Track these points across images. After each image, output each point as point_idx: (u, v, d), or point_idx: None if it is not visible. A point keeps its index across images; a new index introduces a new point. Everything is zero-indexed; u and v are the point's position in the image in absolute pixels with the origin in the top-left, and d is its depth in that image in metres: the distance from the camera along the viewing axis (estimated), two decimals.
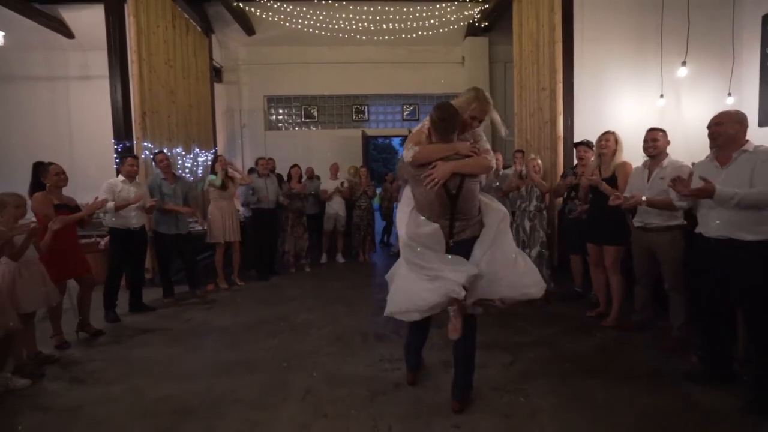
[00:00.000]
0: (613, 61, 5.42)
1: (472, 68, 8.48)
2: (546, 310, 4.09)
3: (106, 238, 4.33)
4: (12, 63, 7.79)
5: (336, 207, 6.54)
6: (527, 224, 4.26)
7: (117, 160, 5.07)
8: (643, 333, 3.34)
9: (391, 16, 6.97)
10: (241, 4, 6.87)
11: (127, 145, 5.10)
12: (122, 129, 5.01)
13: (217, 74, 8.38)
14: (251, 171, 6.75)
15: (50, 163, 3.44)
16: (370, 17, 6.90)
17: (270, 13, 6.99)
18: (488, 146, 2.28)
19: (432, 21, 7.05)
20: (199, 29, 7.41)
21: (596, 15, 5.37)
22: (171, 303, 4.63)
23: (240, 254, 5.44)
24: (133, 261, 4.24)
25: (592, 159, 3.82)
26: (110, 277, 4.09)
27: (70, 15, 7.28)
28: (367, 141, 8.65)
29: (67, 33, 7.54)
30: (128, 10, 4.99)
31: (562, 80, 5.29)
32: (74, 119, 7.99)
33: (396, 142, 24.82)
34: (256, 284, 5.45)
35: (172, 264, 4.97)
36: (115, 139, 5.03)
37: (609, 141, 3.43)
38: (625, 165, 3.38)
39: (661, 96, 5.27)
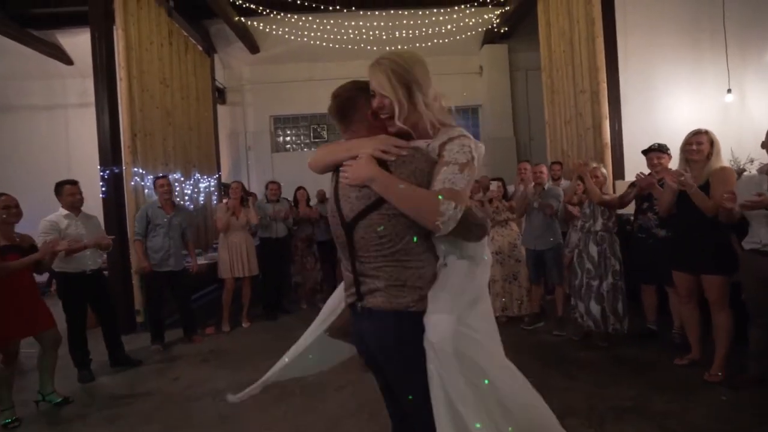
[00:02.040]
0: (664, 55, 4.74)
1: (491, 77, 7.88)
2: (613, 354, 3.27)
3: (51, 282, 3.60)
4: (10, 93, 7.48)
5: None
6: (594, 249, 3.45)
7: (103, 189, 4.50)
8: (765, 391, 2.50)
9: (404, 22, 6.45)
10: (243, 18, 6.43)
11: (116, 171, 4.54)
12: (109, 153, 4.46)
13: (220, 95, 7.94)
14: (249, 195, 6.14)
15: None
16: (381, 24, 6.38)
17: (274, 27, 6.54)
18: (460, 157, 1.14)
19: (448, 27, 6.50)
20: (201, 48, 6.99)
21: (641, 3, 4.72)
22: (158, 350, 3.97)
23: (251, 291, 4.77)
24: (101, 308, 3.55)
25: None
26: (70, 330, 3.38)
27: (68, 41, 6.96)
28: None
29: (66, 59, 7.22)
30: (117, 23, 4.51)
31: (605, 80, 4.61)
32: (72, 147, 7.57)
33: None
34: (262, 325, 4.72)
35: (168, 305, 4.32)
36: (101, 165, 4.47)
37: (702, 143, 2.66)
38: (724, 170, 2.62)
39: (729, 91, 4.52)
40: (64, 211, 3.39)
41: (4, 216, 2.77)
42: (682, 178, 2.58)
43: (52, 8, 6.09)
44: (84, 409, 2.94)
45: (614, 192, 4.24)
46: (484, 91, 7.99)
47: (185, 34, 6.32)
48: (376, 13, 6.17)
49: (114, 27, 4.54)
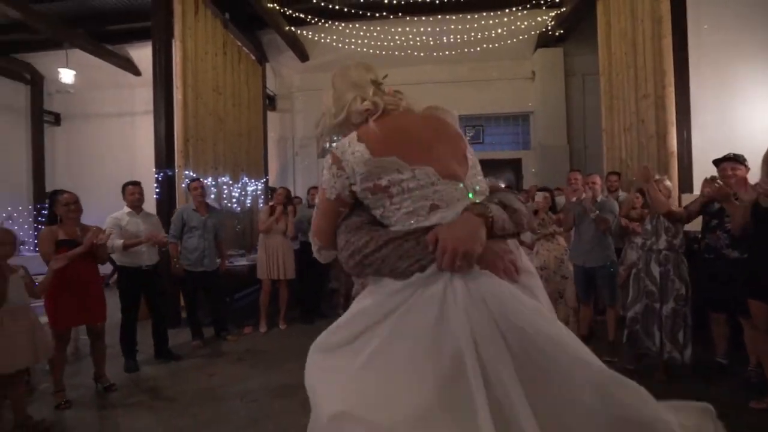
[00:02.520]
0: (743, 55, 4.22)
1: (544, 83, 7.50)
2: (674, 388, 2.90)
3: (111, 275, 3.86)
4: (87, 102, 8.22)
5: None
6: (656, 270, 3.08)
7: (157, 190, 4.78)
8: None
9: (452, 27, 6.31)
10: (293, 28, 6.62)
11: (169, 173, 4.80)
12: (163, 157, 4.73)
13: (271, 102, 8.22)
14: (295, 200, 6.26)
15: (62, 192, 3.07)
16: (428, 29, 6.29)
17: (323, 35, 6.67)
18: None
19: (498, 31, 6.27)
20: (253, 58, 7.29)
21: None
22: (198, 347, 4.12)
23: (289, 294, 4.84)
24: (152, 302, 3.74)
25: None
26: (123, 321, 3.59)
27: (137, 53, 7.52)
28: None
29: (135, 71, 7.81)
30: (175, 35, 4.80)
31: (673, 83, 4.19)
32: (138, 151, 8.15)
33: None
34: (299, 328, 4.76)
35: (205, 303, 4.49)
36: (156, 167, 4.75)
37: None
38: None
39: None
40: (127, 209, 3.66)
41: (65, 212, 2.99)
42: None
43: (124, 24, 6.63)
44: (126, 397, 3.09)
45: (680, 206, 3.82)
46: (537, 97, 7.62)
47: (239, 44, 6.61)
48: (423, 18, 6.10)
49: (173, 39, 4.83)
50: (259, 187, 7.26)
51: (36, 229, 7.72)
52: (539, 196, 3.93)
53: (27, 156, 7.89)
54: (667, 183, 3.30)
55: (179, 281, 4.25)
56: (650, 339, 3.10)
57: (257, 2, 5.63)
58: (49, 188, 8.16)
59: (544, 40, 7.24)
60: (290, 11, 5.97)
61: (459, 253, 0.90)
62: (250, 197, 6.84)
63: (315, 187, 5.30)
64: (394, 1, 5.35)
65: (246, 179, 6.70)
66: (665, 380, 3.04)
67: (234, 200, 6.28)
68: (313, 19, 6.10)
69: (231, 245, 5.60)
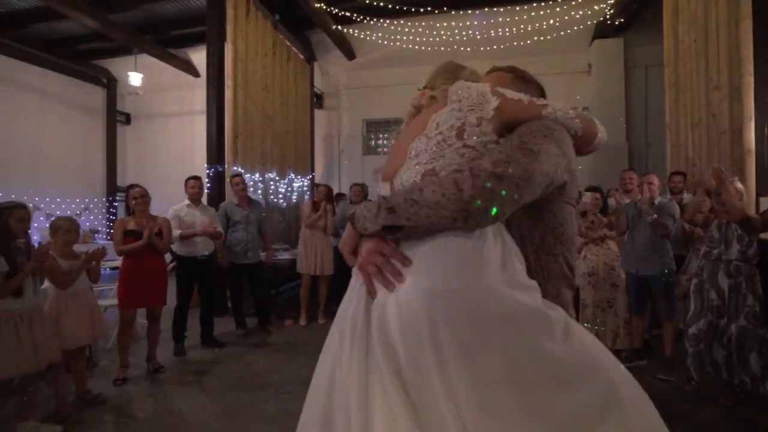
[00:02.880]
0: None
1: (601, 76, 7.01)
2: (739, 416, 2.60)
3: (171, 264, 4.14)
4: (153, 102, 8.90)
5: None
6: (724, 282, 2.75)
7: (208, 185, 5.05)
8: None
9: (500, 20, 6.08)
10: (340, 27, 6.71)
11: (219, 169, 5.06)
12: (214, 153, 4.99)
13: (318, 100, 8.41)
14: (340, 197, 6.36)
15: (134, 185, 3.34)
16: (476, 23, 6.10)
17: (369, 32, 6.70)
18: None
19: (551, 21, 5.95)
20: (302, 57, 7.49)
21: None
22: (240, 336, 4.31)
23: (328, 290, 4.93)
24: (204, 291, 3.96)
25: None
26: (177, 307, 3.84)
27: (196, 56, 8.00)
28: None
29: (194, 72, 8.33)
30: (228, 37, 5.03)
31: (752, 73, 3.73)
32: (196, 148, 8.69)
33: None
34: None
35: (250, 295, 4.69)
36: (207, 163, 5.03)
37: None
38: None
39: None
40: (186, 202, 3.93)
41: (134, 204, 3.26)
42: None
43: (185, 29, 7.08)
44: (172, 378, 3.30)
45: (757, 212, 3.40)
46: (593, 92, 7.15)
47: (288, 44, 6.82)
48: (469, 12, 5.93)
49: (225, 42, 5.07)
50: (305, 184, 7.46)
51: (108, 219, 8.50)
52: (587, 197, 3.67)
53: (102, 153, 8.69)
54: (739, 185, 2.94)
55: (225, 273, 4.47)
56: (713, 359, 2.79)
57: (305, 2, 5.76)
58: (120, 183, 8.96)
59: (602, 31, 6.77)
60: (337, 10, 6.04)
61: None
62: (296, 193, 7.05)
63: (357, 184, 5.34)
64: None
65: (292, 175, 6.91)
66: (728, 405, 2.73)
67: (280, 196, 6.50)
68: (359, 17, 6.14)
69: (276, 239, 5.81)
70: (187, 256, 3.83)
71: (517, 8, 6.07)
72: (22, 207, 2.41)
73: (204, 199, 4.88)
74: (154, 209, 3.48)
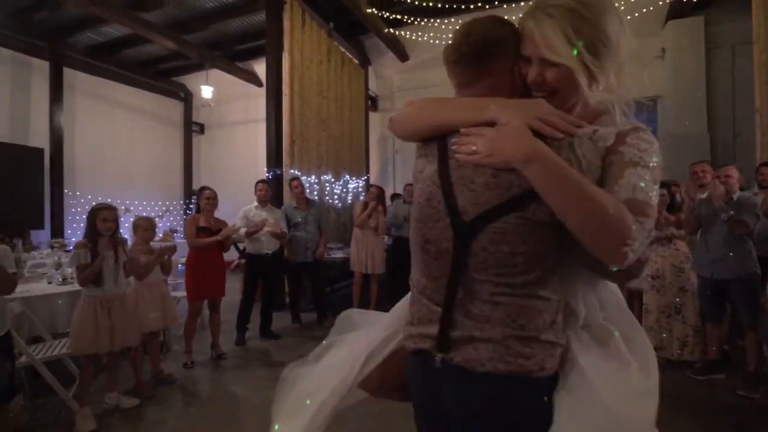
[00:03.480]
0: None
1: (677, 61, 6.37)
2: None
3: (236, 261, 4.48)
4: (222, 112, 9.67)
5: None
6: None
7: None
8: None
9: None
10: (392, 29, 6.81)
11: (277, 172, 5.38)
12: (273, 158, 5.31)
13: (373, 103, 8.59)
14: (396, 197, 6.45)
15: (206, 188, 3.70)
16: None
17: (420, 34, 6.71)
18: (647, 157, 0.77)
19: (617, 4, 5.52)
20: (356, 62, 7.71)
21: None
22: (296, 329, 4.55)
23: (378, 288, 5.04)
24: (267, 286, 4.24)
25: None
26: (242, 300, 4.16)
27: (260, 67, 8.55)
28: None
29: (258, 82, 8.91)
30: (285, 48, 5.35)
31: None
32: (260, 153, 9.30)
33: None
34: None
35: (308, 291, 4.93)
36: (267, 167, 5.37)
37: None
38: None
39: None
40: (255, 203, 4.25)
41: (205, 204, 3.62)
42: None
43: (249, 43, 7.62)
44: (232, 365, 3.58)
45: None
46: (667, 79, 6.52)
47: (342, 50, 7.05)
48: (522, 4, 5.70)
49: (283, 52, 5.39)
50: (360, 185, 7.65)
51: (184, 220, 9.38)
52: None
53: (180, 160, 9.62)
54: None
55: (287, 270, 4.72)
56: None
57: (356, 9, 5.93)
58: (195, 186, 9.84)
59: (678, 10, 6.16)
60: (387, 14, 6.14)
61: None
62: (351, 194, 7.26)
63: (410, 184, 5.40)
64: None
65: (347, 177, 7.14)
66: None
67: (336, 197, 6.74)
68: (410, 19, 6.19)
69: (331, 239, 6.04)
70: (254, 254, 4.13)
71: None
72: (108, 208, 2.76)
73: (237, 205, 5.26)
74: (223, 210, 3.82)
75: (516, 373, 0.75)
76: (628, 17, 5.93)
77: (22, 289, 3.03)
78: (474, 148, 0.77)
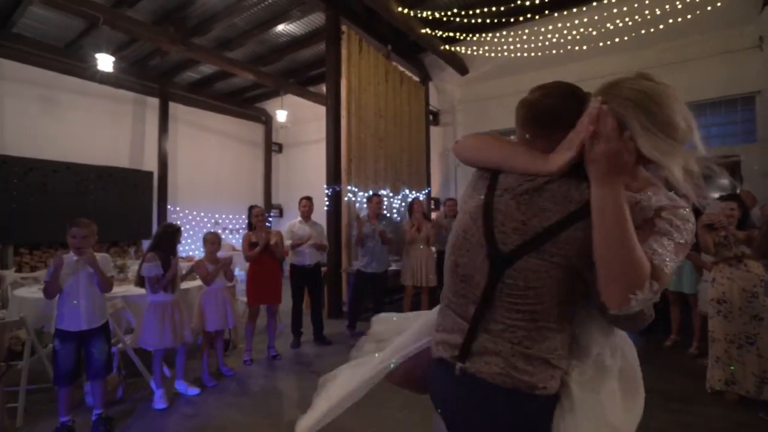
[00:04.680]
0: None
1: None
2: None
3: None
4: (298, 133, 10.57)
5: None
6: None
7: (327, 203, 5.84)
8: None
9: (615, 11, 5.44)
10: (448, 46, 6.94)
11: (337, 189, 5.80)
12: (332, 175, 5.75)
13: (434, 118, 8.74)
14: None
15: (254, 206, 4.20)
16: (585, 20, 5.59)
17: (477, 47, 6.75)
18: (678, 234, 0.86)
19: None
20: (417, 79, 7.96)
21: None
22: (351, 336, 4.83)
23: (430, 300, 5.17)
24: (312, 294, 4.60)
25: None
26: (292, 307, 4.56)
27: None
28: None
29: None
30: (343, 73, 5.80)
31: None
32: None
33: None
34: None
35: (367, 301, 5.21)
36: (326, 184, 5.82)
37: None
38: None
39: None
40: (299, 218, 4.69)
41: (256, 221, 4.11)
42: None
43: (318, 69, 8.30)
44: (285, 365, 3.97)
45: None
46: (765, 72, 5.70)
47: (401, 69, 7.36)
48: (574, 10, 5.47)
49: (341, 78, 5.84)
50: (422, 198, 7.83)
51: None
52: (715, 206, 3.04)
53: (261, 177, 10.70)
54: None
55: (354, 280, 5.03)
56: None
57: (410, 31, 6.20)
58: (274, 201, 10.84)
59: None
60: (441, 33, 6.30)
61: None
62: None
63: (451, 199, 5.47)
64: (537, 1, 5.01)
65: (407, 191, 7.36)
66: None
67: (394, 210, 7.00)
68: (464, 35, 6.28)
69: (392, 252, 6.29)
70: (297, 265, 4.54)
71: None
72: (180, 230, 3.29)
73: (323, 215, 5.71)
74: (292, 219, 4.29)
75: (520, 389, 0.91)
76: (718, 4, 5.39)
77: (123, 289, 3.76)
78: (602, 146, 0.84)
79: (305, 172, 10.32)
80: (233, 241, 9.37)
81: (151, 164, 8.31)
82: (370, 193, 6.27)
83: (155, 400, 2.98)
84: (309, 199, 4.76)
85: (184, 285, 3.65)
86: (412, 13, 5.86)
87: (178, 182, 8.84)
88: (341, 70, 5.82)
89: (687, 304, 4.23)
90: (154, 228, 8.17)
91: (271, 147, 10.86)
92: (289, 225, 4.66)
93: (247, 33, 6.96)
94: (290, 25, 6.81)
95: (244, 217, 9.95)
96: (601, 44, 5.84)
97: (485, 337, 0.94)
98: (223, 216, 9.49)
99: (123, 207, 7.48)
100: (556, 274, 0.89)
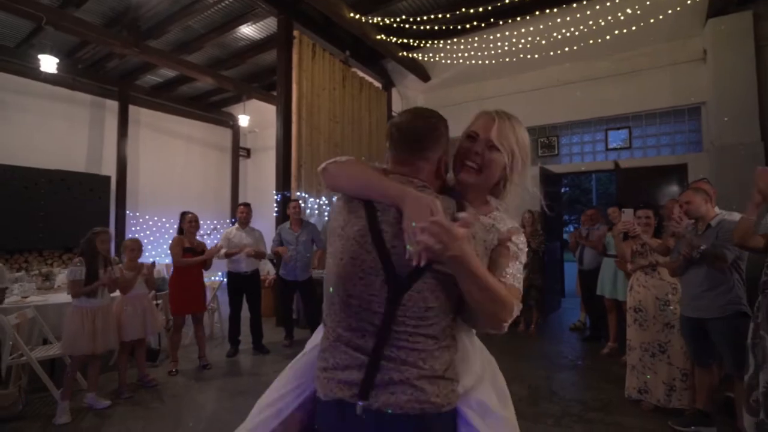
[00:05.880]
0: None
1: (721, 62, 5.65)
2: None
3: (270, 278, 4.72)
4: (265, 138, 10.43)
5: None
6: None
7: (276, 209, 5.77)
8: None
9: (578, 16, 5.49)
10: (406, 53, 6.95)
11: (286, 194, 5.74)
12: (281, 181, 5.69)
13: None
14: None
15: (187, 212, 4.11)
16: (549, 24, 5.61)
17: (440, 55, 6.77)
18: (522, 255, 1.05)
19: (647, 4, 5.18)
20: (379, 85, 7.95)
21: None
22: (286, 345, 4.76)
23: None
24: (250, 302, 4.51)
25: None
26: (229, 315, 4.48)
27: None
28: (554, 180, 6.95)
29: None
30: (293, 79, 5.75)
31: None
32: None
33: (594, 179, 19.85)
34: None
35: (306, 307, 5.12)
36: (275, 190, 5.75)
37: None
38: None
39: None
40: (236, 225, 4.61)
41: (188, 227, 4.02)
42: None
43: None
44: (216, 374, 3.87)
45: None
46: (710, 84, 5.81)
47: (361, 75, 7.34)
48: (519, 19, 5.51)
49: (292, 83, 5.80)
50: None
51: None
52: (626, 214, 3.05)
53: (228, 181, 10.56)
54: None
55: (280, 288, 4.97)
56: None
57: (365, 37, 6.19)
58: None
59: (720, 5, 5.51)
60: (396, 39, 6.30)
61: None
62: None
63: None
64: (498, 4, 5.00)
65: None
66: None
67: None
68: (420, 42, 6.29)
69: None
70: (233, 272, 4.46)
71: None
72: (106, 232, 3.22)
73: (271, 222, 5.63)
74: (262, 224, 4.17)
75: (428, 411, 0.91)
76: (661, 17, 5.49)
77: (40, 299, 3.64)
78: (425, 239, 0.83)
79: (273, 176, 10.20)
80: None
81: (109, 169, 8.13)
82: (323, 199, 6.24)
83: (57, 415, 2.87)
84: (247, 205, 4.72)
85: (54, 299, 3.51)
86: (364, 19, 5.85)
87: (139, 187, 8.67)
88: (292, 75, 5.78)
89: (622, 311, 4.26)
90: (112, 233, 7.99)
91: (239, 152, 10.74)
92: (225, 232, 4.58)
93: (204, 36, 6.89)
94: (248, 28, 6.75)
95: (211, 222, 9.82)
96: (552, 53, 5.90)
97: (389, 366, 0.91)
98: None
99: (77, 212, 7.29)
100: (450, 290, 0.93)
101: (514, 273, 1.00)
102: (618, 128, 6.59)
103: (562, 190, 22.47)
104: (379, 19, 5.79)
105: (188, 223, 4.02)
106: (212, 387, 3.60)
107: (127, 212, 8.32)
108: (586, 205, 16.38)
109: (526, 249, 1.06)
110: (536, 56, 6.02)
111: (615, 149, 6.65)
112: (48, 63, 5.55)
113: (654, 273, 3.06)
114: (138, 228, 8.44)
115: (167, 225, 8.91)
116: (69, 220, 7.08)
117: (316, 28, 6.35)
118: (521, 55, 6.11)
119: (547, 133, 7.27)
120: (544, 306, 5.65)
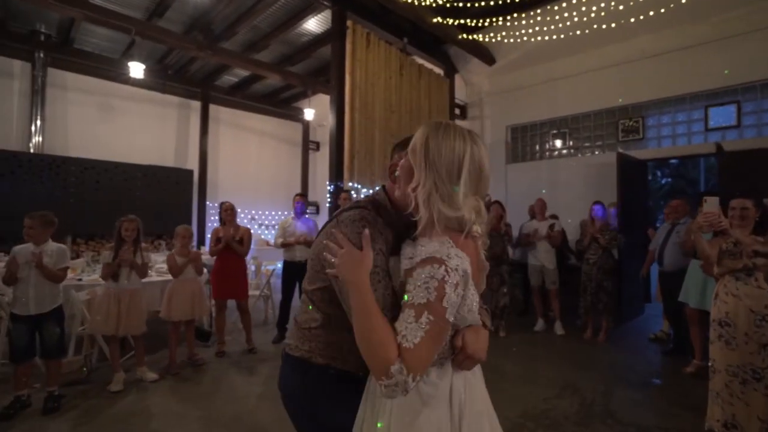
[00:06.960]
0: None
1: None
2: None
3: None
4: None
5: (541, 257, 4.87)
6: None
7: (329, 200, 5.83)
8: None
9: None
10: (467, 35, 6.53)
11: (339, 185, 5.77)
12: (334, 171, 5.72)
13: (462, 111, 8.32)
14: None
15: (224, 202, 4.31)
16: None
17: (503, 33, 6.27)
18: (419, 295, 0.93)
19: None
20: (440, 72, 7.63)
21: None
22: None
23: None
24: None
25: None
26: (281, 302, 4.62)
27: None
28: (638, 167, 6.02)
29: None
30: (346, 69, 5.72)
31: None
32: None
33: (702, 167, 17.12)
34: None
35: None
36: (329, 180, 5.81)
37: None
38: None
39: None
40: (292, 215, 4.77)
41: (224, 216, 4.21)
42: None
43: None
44: (257, 359, 4.03)
45: None
46: None
47: (420, 62, 7.08)
48: None
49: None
50: None
51: None
52: (710, 204, 2.44)
53: (298, 173, 11.04)
54: None
55: None
56: None
57: (420, 21, 5.93)
58: (312, 198, 11.12)
59: None
60: (454, 20, 5.95)
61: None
62: None
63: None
64: None
65: None
66: None
67: None
68: (479, 21, 5.86)
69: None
70: (288, 261, 4.59)
71: None
72: (130, 220, 3.32)
73: (325, 211, 5.70)
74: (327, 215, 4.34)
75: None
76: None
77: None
78: (334, 259, 1.04)
79: None
80: (269, 237, 9.80)
81: (192, 163, 8.98)
82: (377, 188, 6.16)
83: (112, 383, 3.19)
84: (302, 195, 4.91)
85: (147, 279, 3.68)
86: (417, 2, 5.60)
87: (218, 179, 9.46)
88: (345, 66, 5.75)
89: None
90: (195, 223, 8.83)
91: (309, 145, 11.15)
92: (281, 222, 4.75)
93: (270, 35, 7.19)
94: (310, 23, 6.90)
95: (281, 213, 10.38)
96: (633, 20, 5.08)
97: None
98: (260, 212, 9.98)
99: (165, 203, 8.17)
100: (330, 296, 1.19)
101: (400, 325, 0.92)
102: (722, 104, 5.47)
103: (662, 181, 19.80)
104: (433, 0, 5.49)
105: (224, 212, 4.21)
106: (251, 371, 3.74)
107: (207, 203, 9.11)
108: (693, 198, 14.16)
109: (437, 287, 0.91)
110: (613, 26, 5.23)
111: (717, 128, 5.54)
112: (136, 69, 6.23)
113: (749, 279, 2.44)
114: (216, 217, 9.19)
115: (242, 215, 9.59)
116: (159, 209, 7.95)
117: (372, 17, 6.25)
118: (595, 26, 5.35)
119: (629, 113, 6.34)
120: (619, 312, 4.96)
